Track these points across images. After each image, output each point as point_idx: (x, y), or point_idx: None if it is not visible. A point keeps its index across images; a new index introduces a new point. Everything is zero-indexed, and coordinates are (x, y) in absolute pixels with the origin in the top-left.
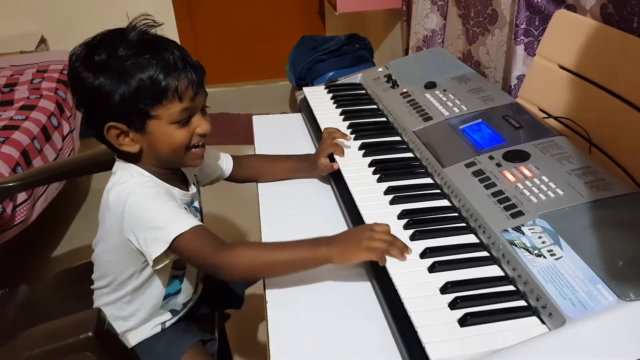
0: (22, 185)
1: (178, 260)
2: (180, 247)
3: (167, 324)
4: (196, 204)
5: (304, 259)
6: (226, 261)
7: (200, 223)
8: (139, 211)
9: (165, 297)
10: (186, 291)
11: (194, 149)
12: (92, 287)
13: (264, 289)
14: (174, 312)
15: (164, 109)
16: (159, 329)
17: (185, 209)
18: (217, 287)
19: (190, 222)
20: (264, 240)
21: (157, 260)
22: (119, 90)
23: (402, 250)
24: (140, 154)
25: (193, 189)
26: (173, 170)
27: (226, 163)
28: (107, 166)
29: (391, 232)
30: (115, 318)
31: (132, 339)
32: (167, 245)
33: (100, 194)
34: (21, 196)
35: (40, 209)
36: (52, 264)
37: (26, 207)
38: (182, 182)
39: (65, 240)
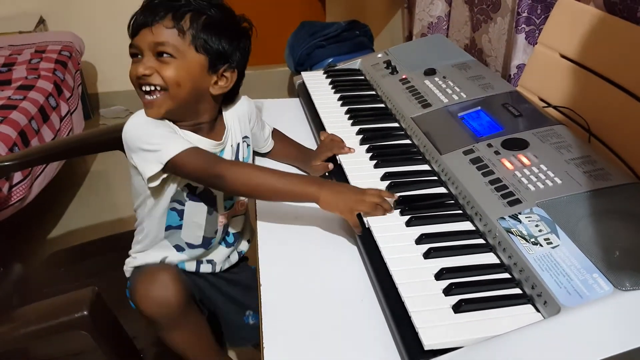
0: (18, 164)
1: (178, 193)
2: (179, 166)
3: (175, 260)
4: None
5: (294, 192)
6: (227, 172)
7: (195, 145)
8: (135, 132)
9: (167, 229)
10: (190, 230)
11: (140, 91)
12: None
13: (258, 275)
14: (178, 248)
15: None
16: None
17: None
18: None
19: (184, 144)
20: (259, 213)
21: (151, 179)
22: None
23: (385, 212)
24: None
25: (229, 142)
26: (192, 118)
27: (269, 144)
28: (104, 147)
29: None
30: (134, 242)
31: (136, 261)
32: (162, 166)
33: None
34: (18, 176)
35: (38, 190)
36: (48, 245)
37: (23, 187)
38: (218, 133)
39: (63, 221)
